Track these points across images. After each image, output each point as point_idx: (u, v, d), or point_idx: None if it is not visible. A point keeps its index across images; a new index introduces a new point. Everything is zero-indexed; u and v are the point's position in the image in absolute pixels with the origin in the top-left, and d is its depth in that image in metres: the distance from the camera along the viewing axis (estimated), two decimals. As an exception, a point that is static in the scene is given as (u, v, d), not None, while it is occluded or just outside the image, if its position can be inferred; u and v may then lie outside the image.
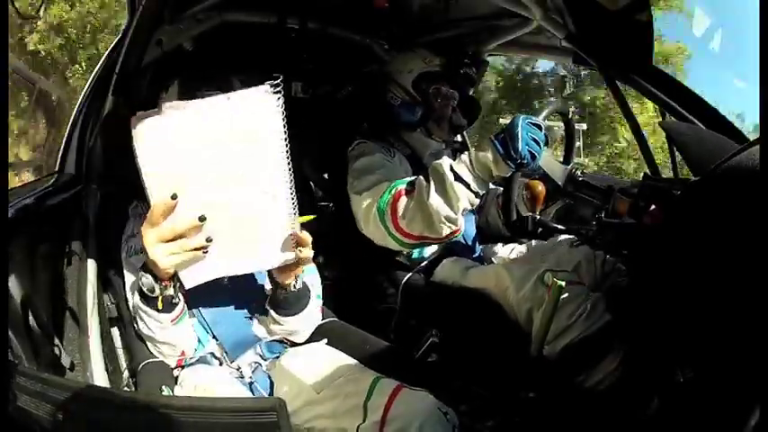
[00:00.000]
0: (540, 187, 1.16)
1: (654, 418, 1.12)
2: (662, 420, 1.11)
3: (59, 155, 1.46)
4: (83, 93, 1.47)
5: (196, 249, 0.77)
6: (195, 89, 1.05)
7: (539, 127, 1.10)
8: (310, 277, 1.07)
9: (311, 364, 1.01)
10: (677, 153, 1.29)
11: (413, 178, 1.25)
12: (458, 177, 1.13)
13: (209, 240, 0.76)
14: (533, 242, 1.55)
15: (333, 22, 1.74)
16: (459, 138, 1.88)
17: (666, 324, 0.92)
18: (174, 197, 0.74)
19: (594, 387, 1.16)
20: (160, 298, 0.84)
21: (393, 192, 1.23)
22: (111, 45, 1.48)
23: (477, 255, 1.55)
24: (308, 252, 0.88)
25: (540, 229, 1.23)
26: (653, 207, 1.01)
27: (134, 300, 0.89)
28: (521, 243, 1.58)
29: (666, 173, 1.37)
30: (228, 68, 1.15)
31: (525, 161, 1.09)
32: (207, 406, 0.51)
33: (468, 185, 1.13)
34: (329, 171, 1.72)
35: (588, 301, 1.19)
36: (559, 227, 1.21)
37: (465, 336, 1.29)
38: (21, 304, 0.89)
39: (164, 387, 0.95)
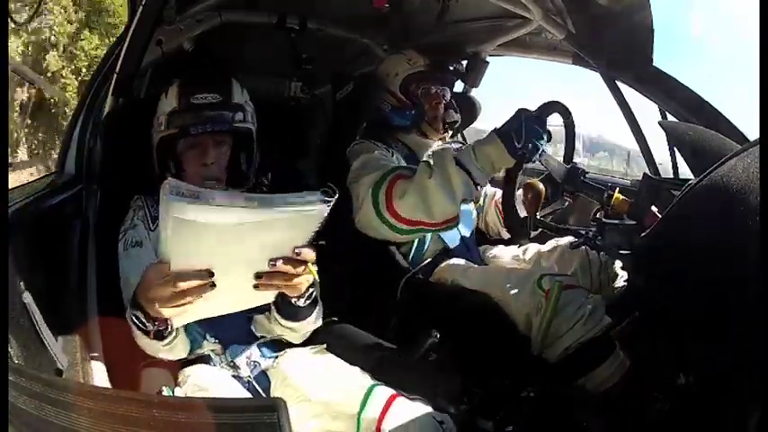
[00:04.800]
0: (540, 187, 1.15)
1: (652, 423, 1.12)
2: (661, 424, 1.11)
3: (59, 155, 1.46)
4: (82, 92, 1.47)
5: (197, 296, 0.74)
6: (193, 92, 1.06)
7: (540, 122, 1.11)
8: None
9: (308, 369, 1.02)
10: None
11: (412, 166, 1.25)
12: (459, 164, 1.13)
13: (212, 287, 0.73)
14: (531, 245, 1.55)
15: (332, 23, 1.74)
16: (459, 137, 1.88)
17: (666, 327, 0.92)
18: (212, 276, 0.71)
19: (593, 390, 1.16)
20: (152, 332, 0.83)
21: (390, 176, 1.22)
22: (111, 45, 1.48)
23: (476, 257, 1.55)
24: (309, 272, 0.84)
25: (540, 230, 1.23)
26: (653, 207, 1.01)
27: (127, 316, 0.87)
28: (520, 246, 1.58)
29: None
30: (228, 69, 1.15)
31: (528, 154, 1.10)
32: (206, 406, 0.51)
33: (469, 173, 1.13)
34: (328, 171, 1.72)
35: (588, 305, 1.19)
36: (559, 227, 1.21)
37: (464, 335, 1.29)
38: (21, 305, 0.89)
39: (164, 387, 0.95)
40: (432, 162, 1.16)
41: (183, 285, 0.71)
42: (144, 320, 0.80)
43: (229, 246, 0.70)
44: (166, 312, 0.75)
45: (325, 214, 0.72)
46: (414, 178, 1.17)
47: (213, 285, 0.72)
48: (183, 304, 0.73)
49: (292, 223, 0.73)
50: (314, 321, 1.02)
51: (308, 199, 0.71)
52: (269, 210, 0.69)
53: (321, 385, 0.97)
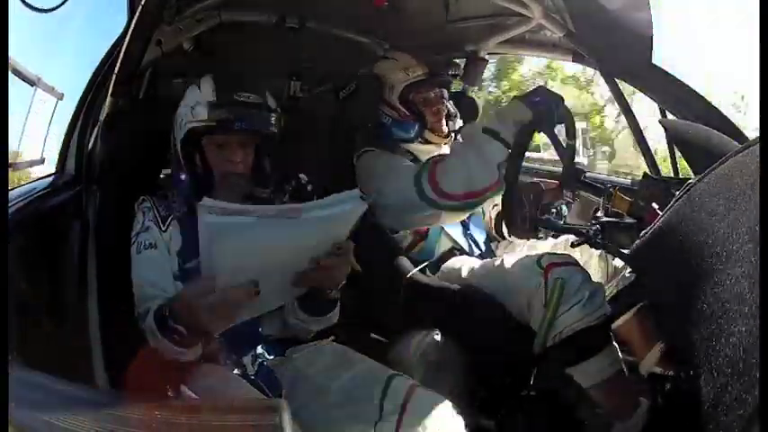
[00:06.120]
0: (541, 187, 1.16)
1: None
2: (652, 422, 1.11)
3: (59, 155, 1.46)
4: (82, 92, 1.46)
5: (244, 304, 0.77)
6: (234, 89, 1.06)
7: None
8: None
9: (322, 362, 1.02)
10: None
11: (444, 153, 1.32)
12: (486, 130, 1.21)
13: (256, 294, 0.75)
14: (547, 242, 1.55)
15: (332, 22, 1.73)
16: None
17: (665, 323, 0.92)
18: (257, 287, 0.74)
19: (584, 380, 1.15)
20: (191, 342, 0.85)
21: (428, 164, 1.29)
22: (111, 45, 1.47)
23: (486, 255, 1.55)
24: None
25: (541, 228, 1.23)
26: (653, 206, 1.01)
27: (151, 329, 0.87)
28: (535, 241, 1.58)
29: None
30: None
31: (543, 109, 1.18)
32: (208, 407, 0.51)
33: (497, 133, 1.20)
34: (329, 171, 1.72)
35: (587, 290, 1.17)
36: (560, 225, 1.21)
37: (466, 334, 1.29)
38: (22, 305, 0.89)
39: (167, 387, 0.95)
40: (462, 140, 1.26)
41: (230, 299, 0.74)
42: (186, 334, 0.82)
43: (271, 252, 0.74)
44: (214, 325, 0.78)
45: (362, 211, 0.76)
46: (451, 156, 1.27)
47: (258, 293, 0.75)
48: (230, 315, 0.76)
49: (331, 225, 0.76)
50: (330, 321, 1.05)
51: (343, 200, 0.75)
52: (307, 215, 0.72)
53: (339, 375, 0.98)
